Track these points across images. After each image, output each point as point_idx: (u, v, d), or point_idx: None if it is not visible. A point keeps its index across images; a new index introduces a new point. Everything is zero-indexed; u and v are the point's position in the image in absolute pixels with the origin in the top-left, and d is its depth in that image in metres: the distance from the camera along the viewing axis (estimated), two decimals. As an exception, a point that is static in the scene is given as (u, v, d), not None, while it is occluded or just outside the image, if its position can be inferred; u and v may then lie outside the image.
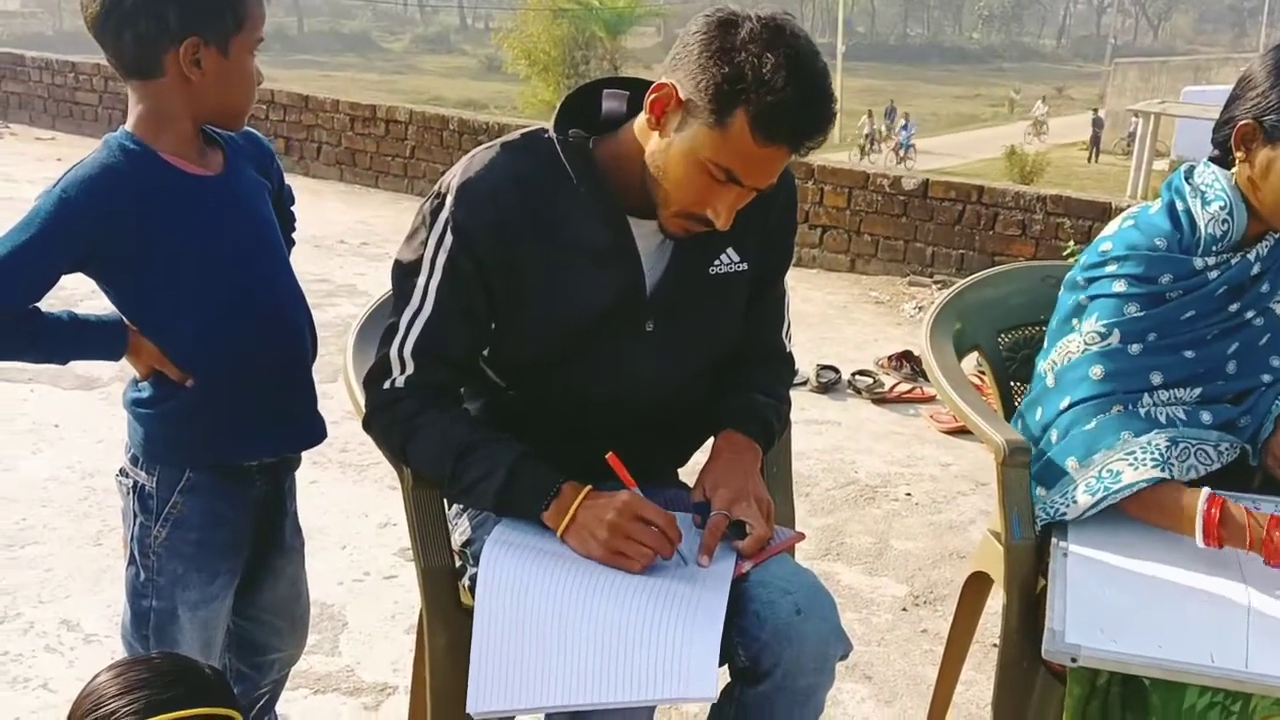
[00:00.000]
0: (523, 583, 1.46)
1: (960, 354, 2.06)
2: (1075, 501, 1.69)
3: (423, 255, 1.57)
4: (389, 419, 1.62)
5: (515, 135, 1.61)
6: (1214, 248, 1.73)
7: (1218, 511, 1.59)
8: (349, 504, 3.30)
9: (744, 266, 1.67)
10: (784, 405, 1.81)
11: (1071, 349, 1.78)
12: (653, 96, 1.48)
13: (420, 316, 1.58)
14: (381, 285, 1.75)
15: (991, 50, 72.01)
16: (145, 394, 1.69)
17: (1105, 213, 5.66)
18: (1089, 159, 32.78)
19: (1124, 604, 1.56)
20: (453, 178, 1.57)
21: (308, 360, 1.79)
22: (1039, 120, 36.59)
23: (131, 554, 1.72)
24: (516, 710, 1.44)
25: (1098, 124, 33.52)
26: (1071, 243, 5.62)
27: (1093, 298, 1.77)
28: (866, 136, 32.74)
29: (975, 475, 3.74)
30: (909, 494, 3.62)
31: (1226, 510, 1.59)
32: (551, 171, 1.56)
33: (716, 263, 1.64)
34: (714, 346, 1.71)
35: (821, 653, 1.49)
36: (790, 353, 1.84)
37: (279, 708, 2.02)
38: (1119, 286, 1.75)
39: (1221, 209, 1.72)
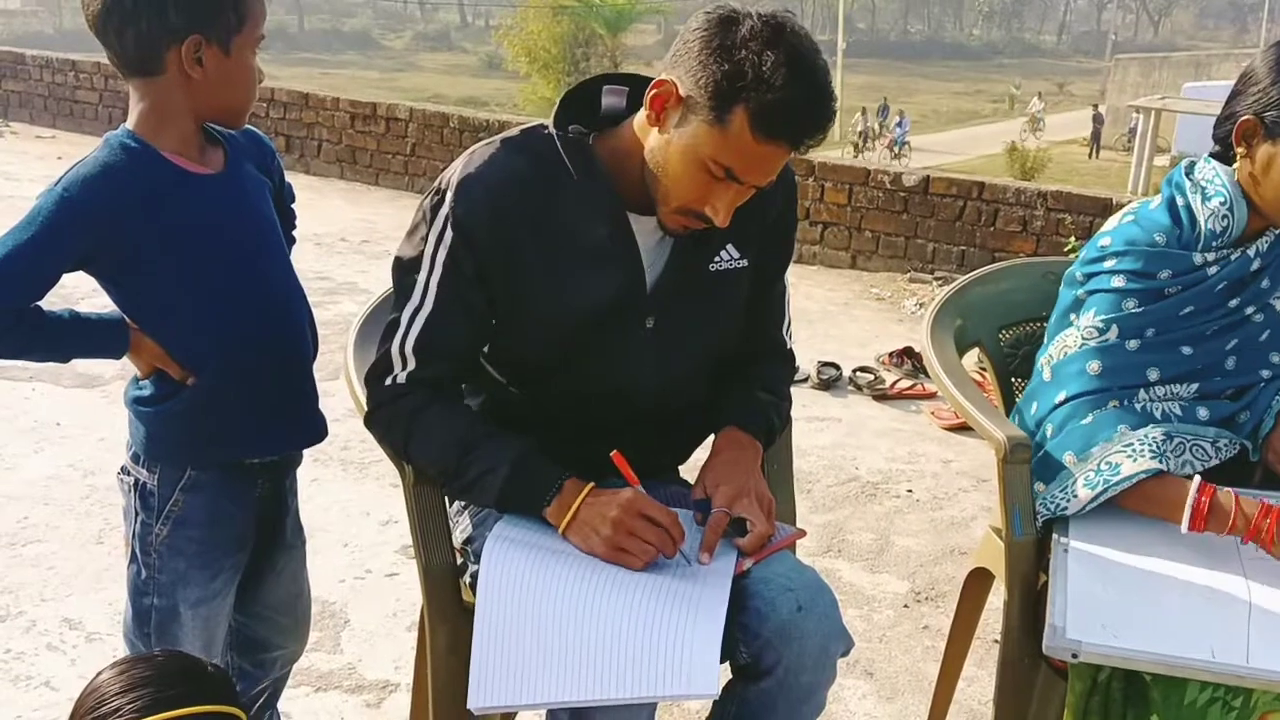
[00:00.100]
0: (524, 579, 1.46)
1: (961, 350, 2.05)
2: (1075, 496, 1.69)
3: (423, 251, 1.57)
4: (390, 416, 1.62)
5: (515, 131, 1.61)
6: (1214, 243, 1.73)
7: (1207, 500, 1.59)
8: (350, 502, 3.30)
9: (744, 263, 1.67)
10: (785, 402, 1.80)
11: (1069, 343, 1.78)
12: (653, 93, 1.48)
13: (421, 313, 1.58)
14: (382, 283, 1.75)
15: (992, 46, 72.01)
16: (146, 392, 1.69)
17: (1106, 208, 5.66)
18: (1090, 155, 32.76)
19: (1125, 600, 1.56)
20: (453, 174, 1.57)
21: (309, 358, 1.79)
22: (1034, 116, 36.53)
23: (133, 552, 1.72)
24: (518, 706, 1.44)
25: (1098, 120, 33.46)
26: (1073, 239, 5.63)
27: (1091, 293, 1.77)
28: (860, 134, 32.67)
29: (976, 472, 3.74)
30: (910, 491, 3.62)
31: (1215, 499, 1.60)
32: (551, 167, 1.56)
33: (717, 259, 1.64)
34: (714, 343, 1.71)
35: (823, 649, 1.49)
36: (791, 349, 1.83)
37: (281, 705, 2.02)
38: (1117, 282, 1.74)
39: (1222, 204, 1.71)
